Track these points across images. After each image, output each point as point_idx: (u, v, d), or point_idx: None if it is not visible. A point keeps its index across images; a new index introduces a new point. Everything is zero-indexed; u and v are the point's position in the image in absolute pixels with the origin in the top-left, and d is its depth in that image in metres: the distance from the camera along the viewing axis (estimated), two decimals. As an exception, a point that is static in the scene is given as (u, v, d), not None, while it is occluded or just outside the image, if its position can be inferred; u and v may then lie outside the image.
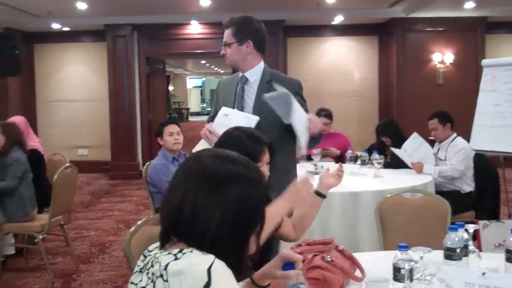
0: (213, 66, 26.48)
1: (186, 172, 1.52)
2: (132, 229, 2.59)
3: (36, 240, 5.42)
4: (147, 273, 1.47)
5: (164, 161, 4.57)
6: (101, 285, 4.82)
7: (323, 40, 11.20)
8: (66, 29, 10.79)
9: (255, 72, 3.24)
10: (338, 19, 10.29)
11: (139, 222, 2.65)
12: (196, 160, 1.52)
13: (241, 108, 3.20)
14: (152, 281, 1.43)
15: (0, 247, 5.06)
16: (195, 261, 1.38)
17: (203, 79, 36.59)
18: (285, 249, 1.95)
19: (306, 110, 3.09)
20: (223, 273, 1.38)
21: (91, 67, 11.34)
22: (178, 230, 1.47)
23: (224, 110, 3.18)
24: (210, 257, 1.39)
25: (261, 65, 3.25)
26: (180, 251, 1.42)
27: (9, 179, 4.83)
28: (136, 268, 1.55)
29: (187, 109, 31.33)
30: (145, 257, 1.55)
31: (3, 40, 9.11)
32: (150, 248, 1.58)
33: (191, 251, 1.41)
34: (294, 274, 1.65)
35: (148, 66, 10.70)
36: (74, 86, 11.39)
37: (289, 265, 1.68)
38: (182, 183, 1.49)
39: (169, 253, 1.44)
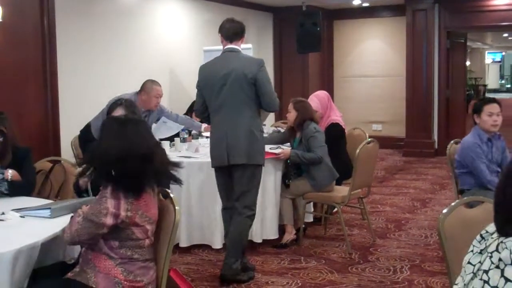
0: (516, 40, 24.44)
1: None
2: (445, 210, 2.53)
3: (334, 210, 5.61)
4: (490, 257, 1.39)
5: (477, 140, 4.34)
6: (398, 261, 4.77)
7: None
8: (365, 4, 10.91)
9: None
10: None
11: (452, 204, 2.57)
12: None
13: None
14: (497, 267, 1.34)
15: (301, 215, 5.35)
16: None
17: (503, 53, 34.12)
18: None
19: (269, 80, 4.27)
20: None
21: (388, 43, 11.32)
22: None
23: None
24: None
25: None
26: None
27: (317, 149, 5.03)
28: (472, 248, 1.51)
29: (484, 85, 29.55)
30: (482, 238, 1.49)
31: (306, 17, 9.55)
32: (489, 229, 1.49)
33: None
34: None
35: (449, 40, 10.22)
36: (371, 61, 11.52)
37: None
38: None
39: None
